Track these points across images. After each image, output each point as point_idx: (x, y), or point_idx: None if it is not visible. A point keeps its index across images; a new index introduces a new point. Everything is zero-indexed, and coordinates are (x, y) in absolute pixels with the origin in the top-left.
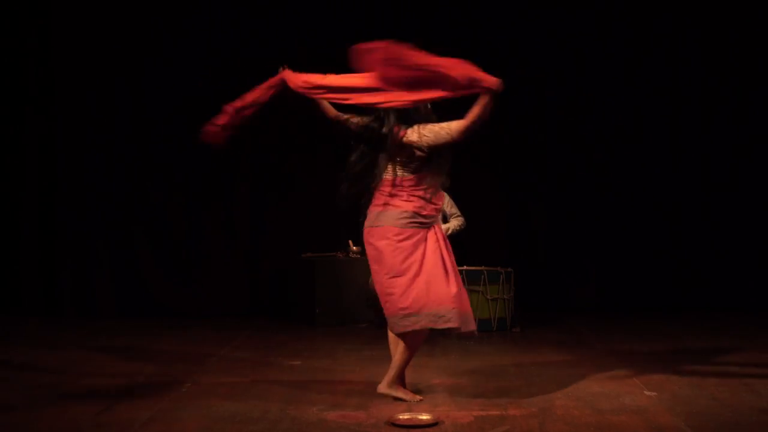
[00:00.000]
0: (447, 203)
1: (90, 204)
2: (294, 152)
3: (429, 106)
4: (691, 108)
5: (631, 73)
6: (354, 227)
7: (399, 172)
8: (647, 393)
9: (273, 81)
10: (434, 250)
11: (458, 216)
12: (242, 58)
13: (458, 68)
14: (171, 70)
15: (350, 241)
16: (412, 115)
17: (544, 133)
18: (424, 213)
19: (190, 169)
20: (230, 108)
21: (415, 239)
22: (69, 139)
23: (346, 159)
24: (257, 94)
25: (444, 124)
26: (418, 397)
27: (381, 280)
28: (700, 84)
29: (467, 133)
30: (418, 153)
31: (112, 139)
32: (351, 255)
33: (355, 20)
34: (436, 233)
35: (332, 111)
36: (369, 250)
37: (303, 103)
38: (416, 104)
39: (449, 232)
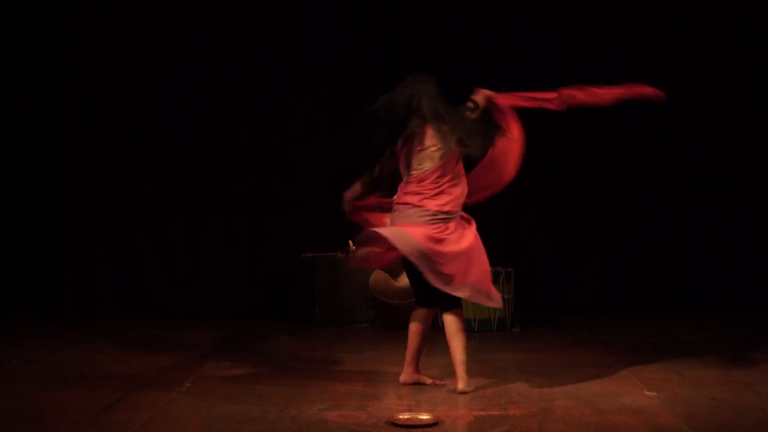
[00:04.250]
0: None
1: (90, 204)
2: (294, 151)
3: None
4: (691, 107)
5: (630, 74)
6: (354, 227)
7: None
8: (647, 393)
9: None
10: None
11: None
12: (244, 63)
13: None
14: (172, 70)
15: (350, 241)
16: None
17: (544, 133)
18: (447, 209)
19: (190, 169)
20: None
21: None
22: (69, 139)
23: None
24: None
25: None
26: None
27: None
28: (700, 83)
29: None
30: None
31: (112, 138)
32: (351, 255)
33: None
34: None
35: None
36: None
37: (304, 103)
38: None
39: None
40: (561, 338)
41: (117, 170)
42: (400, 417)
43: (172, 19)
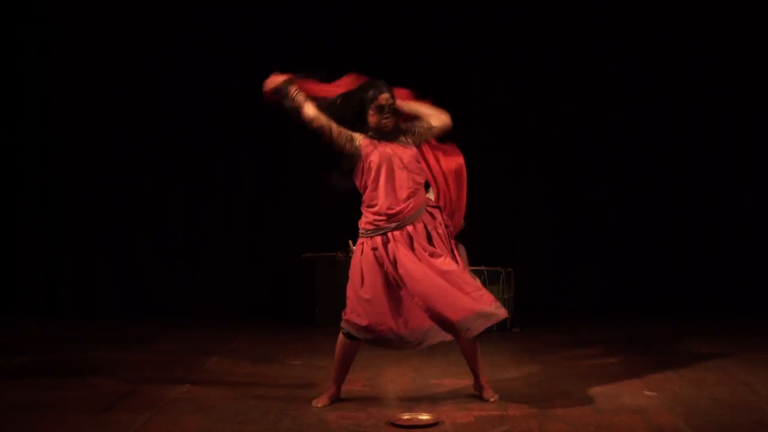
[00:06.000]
0: None
1: (90, 204)
2: (294, 152)
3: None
4: (692, 107)
5: (630, 75)
6: (354, 227)
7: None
8: (647, 393)
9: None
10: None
11: None
12: (242, 62)
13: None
14: (172, 69)
15: (350, 241)
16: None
17: (544, 133)
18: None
19: (190, 169)
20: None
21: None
22: (68, 139)
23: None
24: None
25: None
26: None
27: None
28: (700, 83)
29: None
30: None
31: (112, 138)
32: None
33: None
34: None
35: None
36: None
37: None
38: None
39: None
40: (561, 338)
41: (117, 170)
42: (401, 417)
43: (172, 17)
